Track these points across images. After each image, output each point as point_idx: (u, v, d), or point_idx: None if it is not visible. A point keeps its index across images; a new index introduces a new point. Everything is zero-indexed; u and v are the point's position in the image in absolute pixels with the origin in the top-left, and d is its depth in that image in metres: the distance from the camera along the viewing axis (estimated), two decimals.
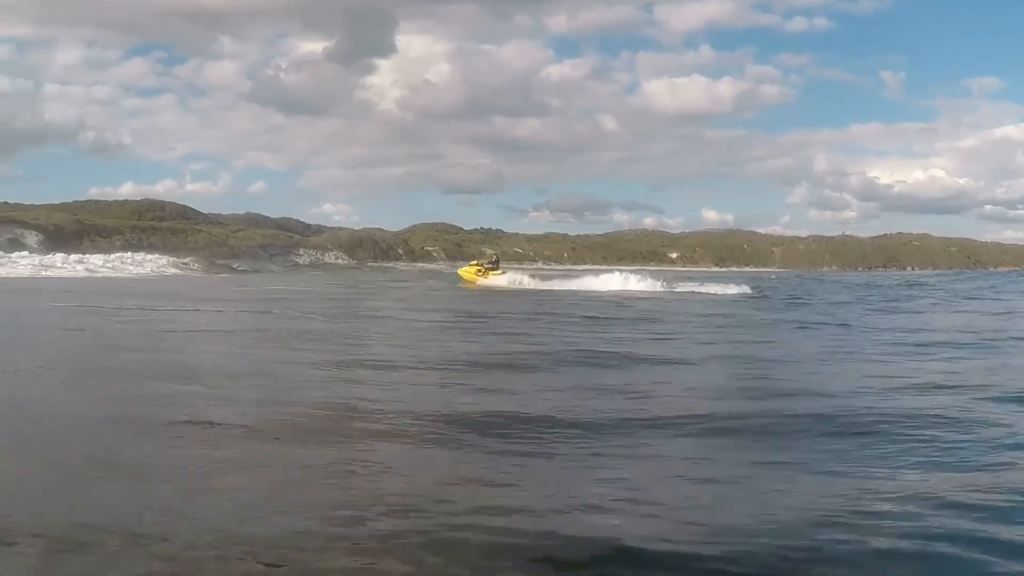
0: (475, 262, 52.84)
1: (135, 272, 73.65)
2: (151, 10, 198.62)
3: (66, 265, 71.46)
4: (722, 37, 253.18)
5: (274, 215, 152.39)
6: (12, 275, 58.37)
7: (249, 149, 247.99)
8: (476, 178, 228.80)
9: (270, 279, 65.56)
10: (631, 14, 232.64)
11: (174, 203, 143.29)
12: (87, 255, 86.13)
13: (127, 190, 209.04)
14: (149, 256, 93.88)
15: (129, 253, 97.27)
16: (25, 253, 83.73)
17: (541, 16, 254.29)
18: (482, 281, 48.64)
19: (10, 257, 74.62)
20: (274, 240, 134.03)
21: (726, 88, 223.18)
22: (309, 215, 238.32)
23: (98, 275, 65.07)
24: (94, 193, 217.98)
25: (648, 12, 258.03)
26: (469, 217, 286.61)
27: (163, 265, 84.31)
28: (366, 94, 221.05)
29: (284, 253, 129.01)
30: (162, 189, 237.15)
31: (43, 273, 62.56)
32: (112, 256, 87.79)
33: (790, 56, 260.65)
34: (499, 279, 48.42)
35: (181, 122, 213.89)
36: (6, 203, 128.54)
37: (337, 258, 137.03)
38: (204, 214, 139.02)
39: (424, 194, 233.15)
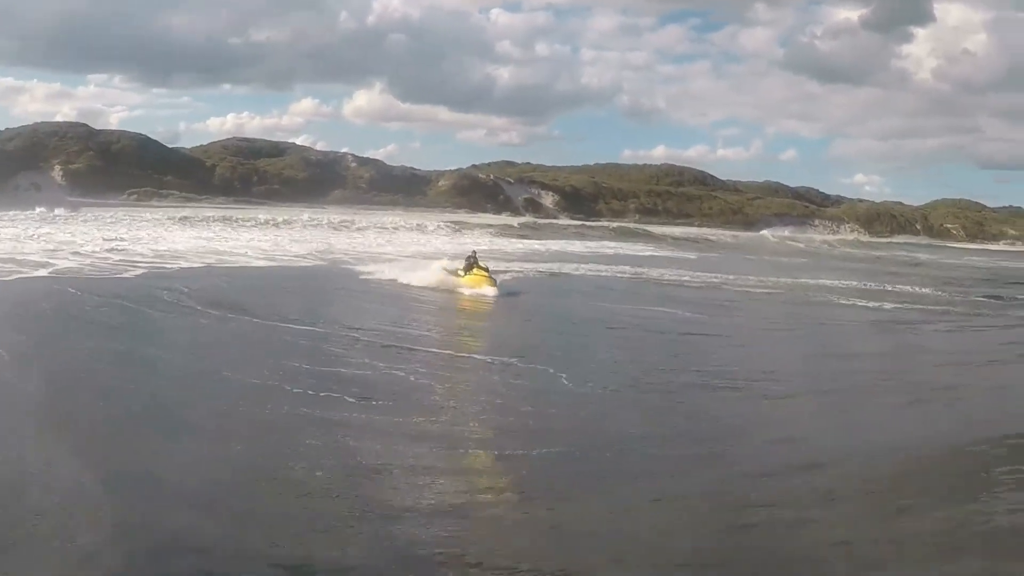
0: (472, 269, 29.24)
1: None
2: None
3: None
4: None
5: (793, 184, 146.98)
6: None
7: (781, 116, 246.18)
8: (1014, 153, 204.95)
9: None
10: None
11: (692, 168, 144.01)
12: None
13: (659, 153, 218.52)
14: None
15: None
16: None
17: None
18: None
19: None
20: (789, 210, 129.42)
21: None
22: (834, 185, 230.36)
23: None
24: (627, 156, 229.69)
25: None
26: (1003, 195, 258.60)
27: None
28: (902, 63, 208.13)
29: (798, 224, 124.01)
30: (694, 154, 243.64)
31: None
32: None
33: None
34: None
35: (714, 88, 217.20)
36: (529, 163, 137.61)
37: (852, 231, 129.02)
38: (723, 180, 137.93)
39: (957, 169, 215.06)
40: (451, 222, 79.80)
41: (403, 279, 28.33)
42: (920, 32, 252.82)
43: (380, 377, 13.40)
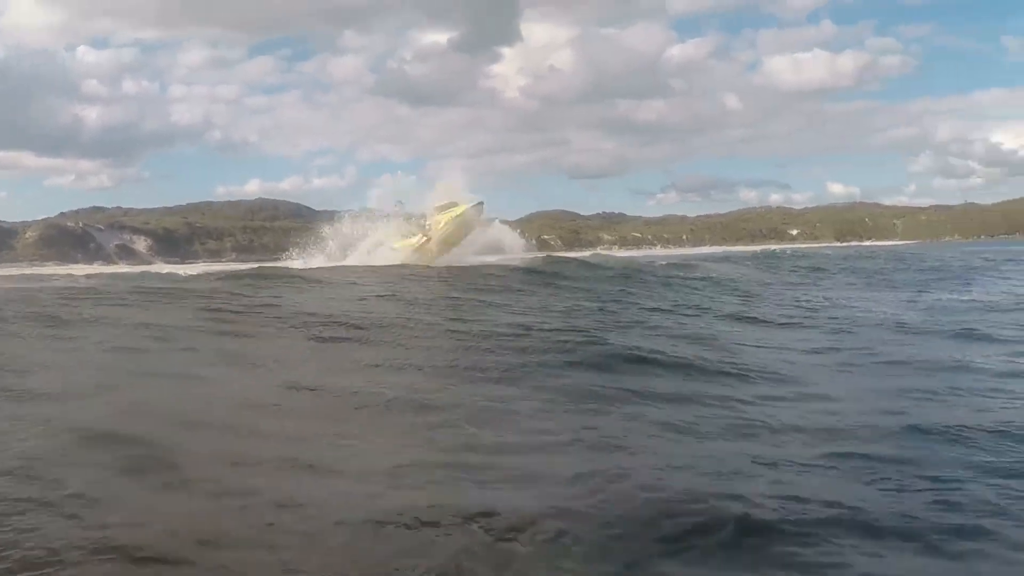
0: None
1: None
2: (275, 7, 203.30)
3: None
4: (842, 11, 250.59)
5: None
6: None
7: (374, 142, 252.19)
8: (601, 162, 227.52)
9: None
10: None
11: (288, 201, 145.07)
12: None
13: (253, 187, 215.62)
14: None
15: None
16: None
17: None
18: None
19: None
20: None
21: (848, 61, 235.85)
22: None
23: None
24: (221, 192, 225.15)
25: None
26: (595, 202, 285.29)
27: None
28: (491, 83, 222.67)
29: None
30: (288, 186, 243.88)
31: None
32: None
33: (911, 26, 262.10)
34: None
35: (306, 117, 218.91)
36: (119, 207, 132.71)
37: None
38: (317, 211, 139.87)
39: (550, 180, 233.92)
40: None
41: None
42: (508, 52, 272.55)
43: None
